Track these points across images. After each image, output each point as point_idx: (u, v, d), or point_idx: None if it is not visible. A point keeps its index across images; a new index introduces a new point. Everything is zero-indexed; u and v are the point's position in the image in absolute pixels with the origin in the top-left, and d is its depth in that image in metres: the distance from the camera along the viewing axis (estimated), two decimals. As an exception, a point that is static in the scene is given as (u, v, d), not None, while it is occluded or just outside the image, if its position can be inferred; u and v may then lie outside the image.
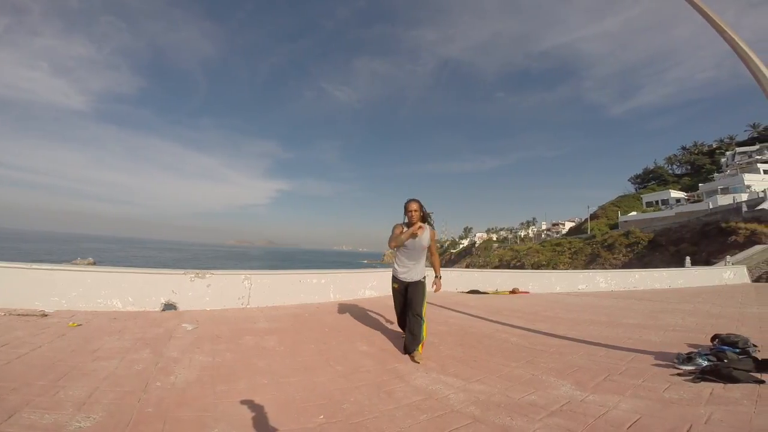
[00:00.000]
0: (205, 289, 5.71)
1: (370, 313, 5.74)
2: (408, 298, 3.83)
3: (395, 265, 3.93)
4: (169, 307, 5.41)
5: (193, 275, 5.68)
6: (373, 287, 7.51)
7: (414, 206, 3.74)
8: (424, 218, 3.80)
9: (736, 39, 3.03)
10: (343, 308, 5.97)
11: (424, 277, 3.88)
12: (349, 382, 2.80)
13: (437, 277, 4.06)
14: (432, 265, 4.18)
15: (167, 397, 2.39)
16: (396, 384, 2.76)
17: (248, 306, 5.93)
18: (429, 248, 3.90)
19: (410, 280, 3.83)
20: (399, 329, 4.28)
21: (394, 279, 3.95)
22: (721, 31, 3.12)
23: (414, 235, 3.66)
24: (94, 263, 17.21)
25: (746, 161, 51.15)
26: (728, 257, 18.38)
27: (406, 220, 3.80)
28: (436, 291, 4.02)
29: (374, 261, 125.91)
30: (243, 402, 2.35)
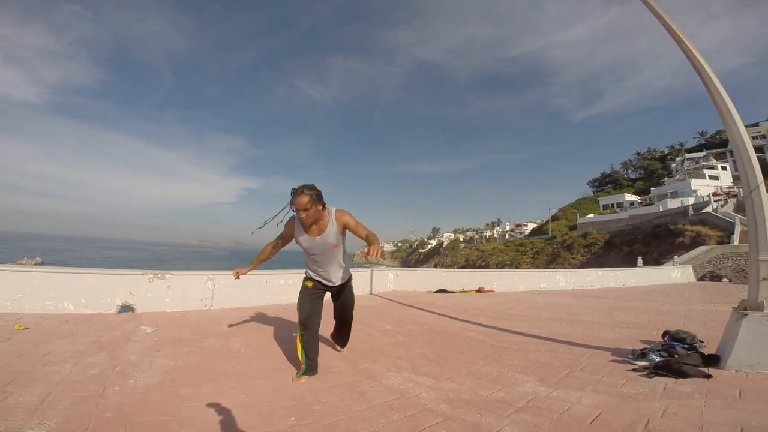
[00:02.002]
0: (165, 290, 5.49)
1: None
2: (337, 305, 3.32)
3: (307, 265, 3.19)
4: (126, 309, 5.16)
5: (152, 276, 5.44)
6: (342, 287, 7.47)
7: (304, 201, 2.69)
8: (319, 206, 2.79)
9: (692, 49, 3.21)
10: (312, 308, 5.89)
11: (350, 278, 3.27)
12: (320, 383, 2.77)
13: (371, 244, 2.68)
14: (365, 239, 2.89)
15: (127, 402, 2.28)
16: (368, 384, 2.76)
17: (212, 308, 5.75)
18: (354, 232, 2.95)
19: (333, 284, 3.13)
20: (369, 329, 4.26)
21: (309, 278, 3.17)
22: (678, 41, 3.29)
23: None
24: (43, 263, 16.09)
25: (694, 167, 54.79)
26: (676, 257, 19.61)
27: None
28: (370, 253, 2.50)
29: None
30: (209, 405, 2.27)
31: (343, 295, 3.25)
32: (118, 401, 2.29)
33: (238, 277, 3.32)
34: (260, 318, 5.13)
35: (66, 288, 4.93)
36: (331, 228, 2.90)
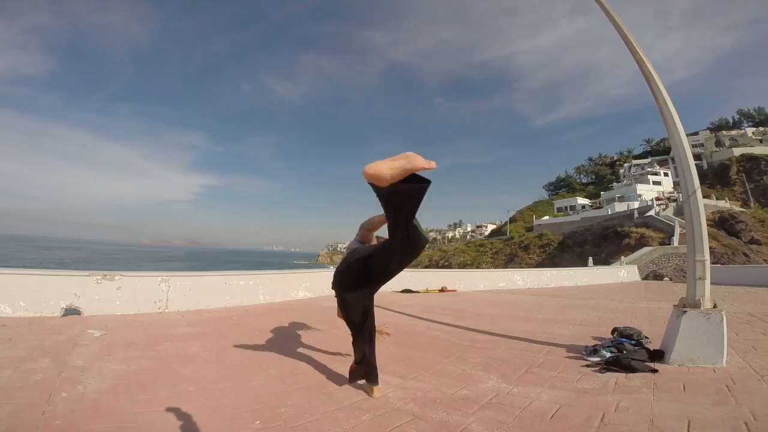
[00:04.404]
0: (115, 292, 5.19)
1: (303, 314, 5.61)
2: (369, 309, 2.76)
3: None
4: (71, 311, 4.83)
5: (99, 277, 5.13)
6: (307, 288, 7.36)
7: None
8: None
9: (645, 60, 3.41)
10: (274, 310, 5.78)
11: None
12: (285, 385, 2.71)
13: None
14: None
15: (77, 409, 2.13)
16: (336, 385, 2.73)
17: (166, 310, 5.50)
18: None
19: None
20: (336, 330, 4.19)
21: None
22: (633, 51, 3.50)
23: None
24: (-28, 261, 14.76)
25: (639, 173, 58.52)
26: (623, 258, 20.85)
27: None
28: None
29: (310, 261, 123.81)
30: (168, 410, 2.17)
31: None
32: (67, 408, 2.14)
33: None
34: (220, 320, 4.96)
35: (2, 290, 4.55)
36: None
